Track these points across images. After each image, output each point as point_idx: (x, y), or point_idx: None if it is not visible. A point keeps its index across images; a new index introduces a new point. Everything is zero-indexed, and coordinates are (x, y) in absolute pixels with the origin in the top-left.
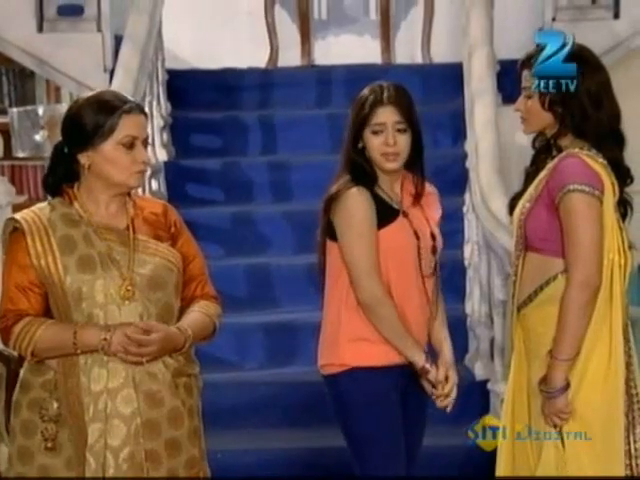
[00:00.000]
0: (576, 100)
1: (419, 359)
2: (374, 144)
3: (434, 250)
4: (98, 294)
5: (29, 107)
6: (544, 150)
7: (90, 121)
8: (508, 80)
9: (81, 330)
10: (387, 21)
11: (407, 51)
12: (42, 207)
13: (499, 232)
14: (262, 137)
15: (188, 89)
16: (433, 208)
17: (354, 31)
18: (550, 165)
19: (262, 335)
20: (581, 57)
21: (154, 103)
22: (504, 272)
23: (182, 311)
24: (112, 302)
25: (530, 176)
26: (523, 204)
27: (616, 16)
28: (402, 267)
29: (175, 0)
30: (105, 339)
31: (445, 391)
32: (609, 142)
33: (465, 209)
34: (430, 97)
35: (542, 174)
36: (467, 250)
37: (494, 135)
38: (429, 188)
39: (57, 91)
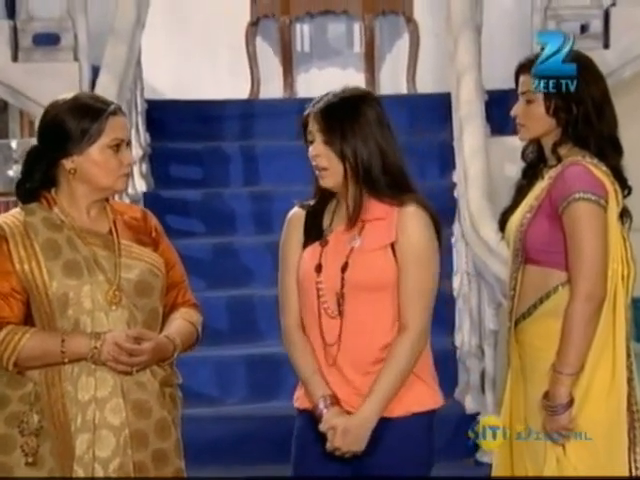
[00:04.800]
0: (581, 106)
1: (314, 401)
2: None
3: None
4: (85, 300)
5: (2, 141)
6: (536, 161)
7: (75, 126)
8: (497, 111)
9: (69, 338)
10: (371, 54)
11: (392, 84)
12: (19, 212)
13: (490, 259)
14: (244, 168)
15: (167, 119)
16: (379, 234)
17: (338, 64)
18: (552, 174)
19: (244, 369)
20: (585, 64)
21: (133, 133)
22: (495, 301)
23: (164, 318)
24: (99, 308)
25: (522, 189)
26: (523, 215)
27: (606, 46)
28: (305, 302)
29: (155, 30)
30: (95, 347)
31: (328, 446)
32: (609, 150)
33: (454, 239)
34: (416, 128)
35: (544, 183)
36: (456, 281)
37: (483, 160)
38: (379, 213)
39: (31, 125)
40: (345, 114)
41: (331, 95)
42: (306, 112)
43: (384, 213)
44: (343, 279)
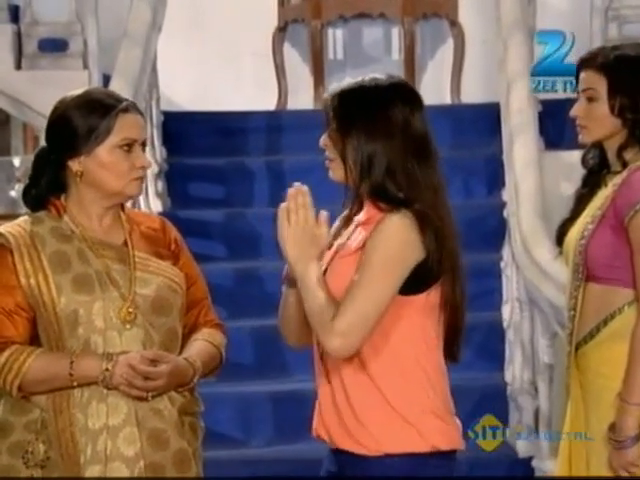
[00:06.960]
0: None
1: None
2: None
3: None
4: (97, 318)
5: (3, 158)
6: (598, 168)
7: (82, 123)
8: (552, 123)
9: (78, 359)
10: (412, 61)
11: (434, 94)
12: (26, 220)
13: (544, 283)
14: (270, 186)
15: (186, 133)
16: (355, 240)
17: (374, 72)
18: (617, 180)
19: (270, 407)
20: None
21: (147, 147)
22: (550, 331)
23: (184, 339)
24: (112, 327)
25: (583, 198)
26: (584, 226)
27: None
28: None
29: (172, 36)
30: (107, 369)
31: None
32: None
33: (503, 264)
34: (461, 141)
35: (607, 191)
36: (506, 310)
37: (536, 175)
38: (367, 217)
39: (35, 139)
40: (357, 105)
41: (354, 82)
42: (326, 94)
43: (367, 218)
44: None
